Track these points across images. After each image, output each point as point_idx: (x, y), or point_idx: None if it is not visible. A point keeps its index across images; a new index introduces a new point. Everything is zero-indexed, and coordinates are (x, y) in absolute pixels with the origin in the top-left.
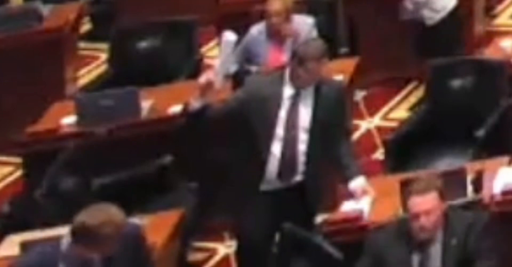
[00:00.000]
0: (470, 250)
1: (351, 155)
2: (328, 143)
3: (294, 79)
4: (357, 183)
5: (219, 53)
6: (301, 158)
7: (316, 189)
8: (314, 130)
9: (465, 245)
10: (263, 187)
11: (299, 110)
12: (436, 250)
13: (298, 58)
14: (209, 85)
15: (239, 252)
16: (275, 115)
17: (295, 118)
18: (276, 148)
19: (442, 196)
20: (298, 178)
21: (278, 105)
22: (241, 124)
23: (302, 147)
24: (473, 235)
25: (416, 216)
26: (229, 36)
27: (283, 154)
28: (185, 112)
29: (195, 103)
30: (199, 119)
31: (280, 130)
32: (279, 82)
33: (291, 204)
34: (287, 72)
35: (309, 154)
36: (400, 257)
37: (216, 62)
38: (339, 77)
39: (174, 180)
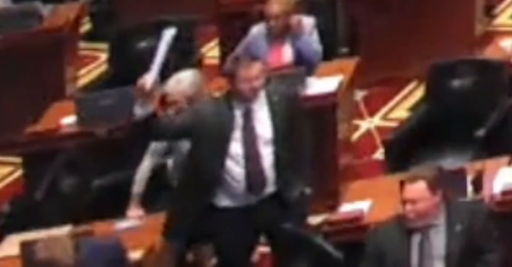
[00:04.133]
0: (476, 237)
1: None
2: (293, 151)
3: (240, 97)
4: None
5: (158, 49)
6: (269, 171)
7: (294, 194)
8: (278, 141)
9: (470, 231)
10: (232, 203)
11: (255, 126)
12: (438, 236)
13: (230, 75)
14: (142, 88)
15: None
16: (228, 136)
17: (252, 135)
18: (238, 166)
19: (433, 188)
20: (271, 189)
21: (231, 126)
22: (191, 142)
23: (267, 159)
24: (479, 223)
25: (404, 202)
26: (171, 30)
27: (248, 170)
28: (131, 122)
29: (139, 111)
30: (144, 130)
31: (238, 149)
32: (226, 105)
33: (271, 213)
34: (231, 95)
35: (277, 165)
36: (399, 242)
37: (156, 60)
38: (339, 77)
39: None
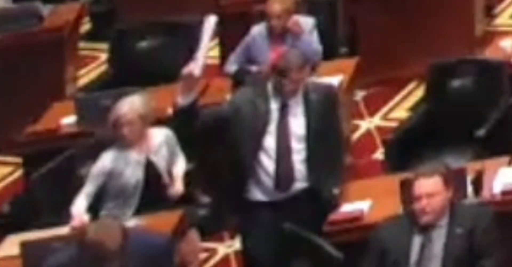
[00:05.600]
0: (475, 242)
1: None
2: (326, 149)
3: (280, 92)
4: None
5: (201, 37)
6: (299, 167)
7: (324, 193)
8: (310, 138)
9: (470, 236)
10: (262, 197)
11: (289, 121)
12: (439, 237)
13: (280, 71)
14: (190, 76)
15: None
16: (263, 129)
17: (285, 130)
18: (270, 160)
19: (447, 183)
20: (299, 185)
21: (266, 119)
22: (227, 132)
23: (298, 156)
24: (480, 227)
25: (419, 198)
26: (211, 18)
27: (278, 164)
28: (174, 111)
29: (181, 101)
30: (189, 118)
31: (271, 143)
32: (264, 96)
33: (299, 212)
34: (269, 86)
35: (309, 162)
36: (401, 240)
37: (201, 48)
38: (339, 77)
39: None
